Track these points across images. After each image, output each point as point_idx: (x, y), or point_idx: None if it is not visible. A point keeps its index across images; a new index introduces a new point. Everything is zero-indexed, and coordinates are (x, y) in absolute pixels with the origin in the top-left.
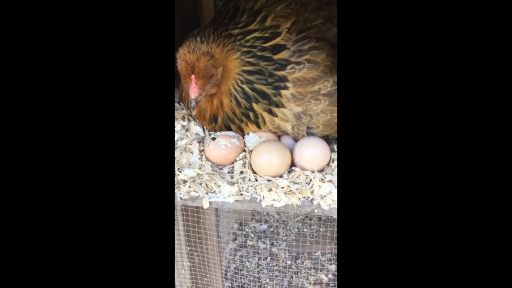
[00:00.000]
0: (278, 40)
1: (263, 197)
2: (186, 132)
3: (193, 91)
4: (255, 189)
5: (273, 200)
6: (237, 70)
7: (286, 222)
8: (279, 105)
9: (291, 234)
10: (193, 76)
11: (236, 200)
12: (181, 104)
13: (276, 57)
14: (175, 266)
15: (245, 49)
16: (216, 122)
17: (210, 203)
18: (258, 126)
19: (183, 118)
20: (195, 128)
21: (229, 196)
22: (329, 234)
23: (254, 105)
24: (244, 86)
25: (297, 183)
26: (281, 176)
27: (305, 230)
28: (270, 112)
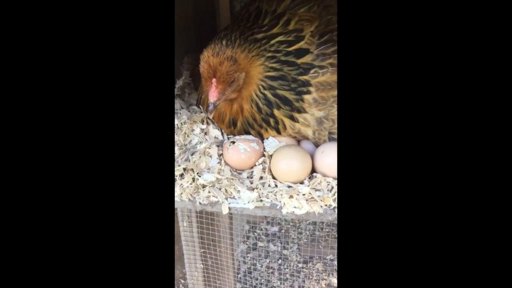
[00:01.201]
0: (301, 44)
1: (284, 204)
2: (205, 136)
3: (213, 95)
4: (275, 195)
5: (294, 207)
6: (260, 76)
7: (298, 225)
8: (300, 110)
9: (303, 237)
10: (214, 80)
11: (256, 207)
12: (200, 107)
13: (299, 61)
14: (188, 268)
15: (270, 54)
16: (235, 127)
17: (229, 208)
18: (278, 132)
19: (202, 122)
20: (214, 132)
21: (248, 202)
22: None
23: (275, 111)
24: (266, 92)
25: (319, 190)
26: (301, 183)
27: (316, 233)
28: (292, 118)
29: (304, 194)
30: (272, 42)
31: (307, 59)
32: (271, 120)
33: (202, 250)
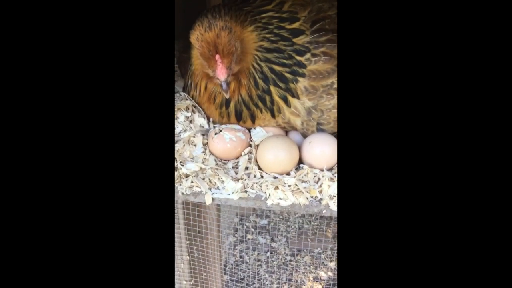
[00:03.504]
0: (296, 25)
1: (269, 195)
2: (189, 124)
3: (221, 72)
4: (260, 186)
5: (279, 198)
6: (254, 45)
7: (287, 218)
8: (294, 94)
9: (291, 230)
10: (217, 56)
11: (240, 198)
12: (185, 94)
13: (294, 40)
14: (174, 260)
15: (260, 24)
16: (227, 107)
17: (213, 199)
18: (273, 115)
19: (187, 109)
20: (199, 120)
21: (233, 192)
22: (330, 231)
23: (272, 88)
24: (262, 64)
25: (305, 182)
26: (288, 174)
27: (305, 226)
28: (286, 100)
29: (290, 186)
30: (263, 15)
31: (302, 40)
32: (267, 99)
33: (188, 242)
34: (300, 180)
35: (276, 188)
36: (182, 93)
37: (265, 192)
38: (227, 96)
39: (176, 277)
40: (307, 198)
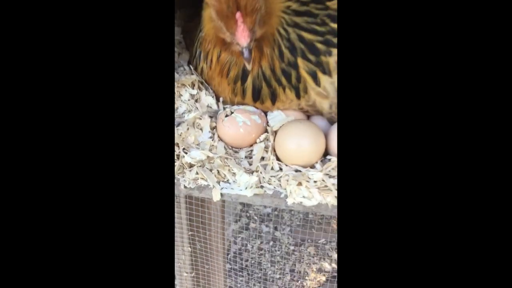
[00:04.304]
0: None
1: (290, 192)
2: (195, 103)
3: (243, 35)
4: (279, 181)
5: (303, 197)
6: (281, 5)
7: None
8: (325, 70)
9: (295, 219)
10: (238, 15)
11: (255, 194)
12: (191, 67)
13: (329, 3)
14: (175, 251)
15: None
16: (243, 82)
17: (221, 195)
18: (298, 94)
19: (192, 85)
20: (207, 99)
21: (246, 188)
22: (335, 222)
23: (299, 61)
24: (290, 30)
25: (333, 177)
26: (312, 167)
27: (309, 216)
28: (315, 77)
29: (315, 181)
30: None
31: (337, 4)
32: (293, 74)
33: (190, 233)
34: (327, 174)
35: (299, 184)
36: (186, 67)
37: (285, 189)
38: (249, 67)
39: (176, 268)
40: (335, 196)
